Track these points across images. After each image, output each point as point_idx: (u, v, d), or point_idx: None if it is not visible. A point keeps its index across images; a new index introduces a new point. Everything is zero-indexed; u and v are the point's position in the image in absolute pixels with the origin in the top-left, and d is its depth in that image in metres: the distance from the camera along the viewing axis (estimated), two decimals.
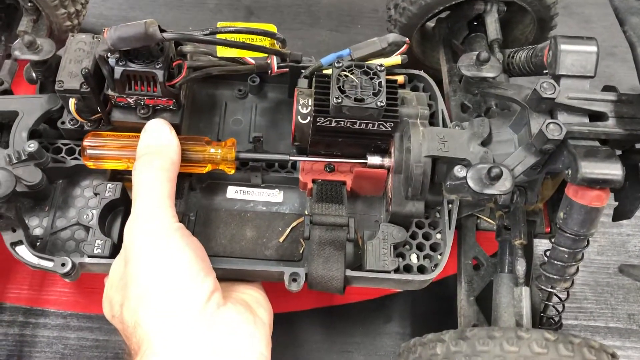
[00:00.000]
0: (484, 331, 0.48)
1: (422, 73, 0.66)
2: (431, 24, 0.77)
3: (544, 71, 0.56)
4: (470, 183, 0.51)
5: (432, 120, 0.65)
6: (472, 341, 0.48)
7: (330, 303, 0.72)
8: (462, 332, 0.49)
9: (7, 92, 0.65)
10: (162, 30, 0.54)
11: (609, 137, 0.51)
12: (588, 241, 0.52)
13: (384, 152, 0.61)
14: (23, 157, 0.57)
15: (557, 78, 0.54)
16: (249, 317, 0.50)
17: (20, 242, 0.56)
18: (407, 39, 0.63)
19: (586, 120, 0.52)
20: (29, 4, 0.73)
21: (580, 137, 0.51)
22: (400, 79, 0.65)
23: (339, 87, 0.55)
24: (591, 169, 0.47)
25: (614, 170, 0.47)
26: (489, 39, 0.67)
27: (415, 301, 0.70)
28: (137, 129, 0.58)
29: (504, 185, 0.50)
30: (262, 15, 0.76)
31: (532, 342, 0.46)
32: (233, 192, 0.63)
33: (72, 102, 0.58)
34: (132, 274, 0.49)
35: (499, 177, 0.50)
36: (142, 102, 0.58)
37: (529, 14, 0.71)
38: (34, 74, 0.62)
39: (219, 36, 0.58)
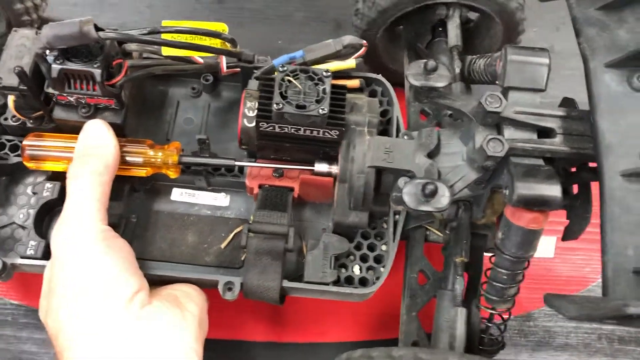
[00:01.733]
0: (410, 352, 0.47)
1: (379, 77, 0.64)
2: (399, 26, 0.74)
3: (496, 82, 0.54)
4: (406, 199, 0.49)
5: (388, 126, 0.63)
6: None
7: (290, 339, 0.70)
8: (389, 350, 0.48)
9: None
10: (98, 29, 0.52)
11: (554, 155, 0.49)
12: (528, 262, 0.50)
13: (333, 159, 0.59)
14: None
15: (505, 90, 0.51)
16: (176, 312, 0.50)
17: None
18: (365, 41, 0.61)
19: (534, 136, 0.50)
20: None
21: (523, 154, 0.49)
22: (355, 82, 0.63)
23: (281, 93, 0.53)
24: (527, 189, 0.45)
25: (551, 192, 0.45)
26: (449, 45, 0.65)
27: None
28: (79, 128, 0.56)
29: (440, 202, 0.48)
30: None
31: None
32: (178, 194, 0.62)
33: (11, 99, 0.57)
34: (54, 279, 0.49)
35: (433, 193, 0.48)
36: (83, 101, 0.57)
37: (496, 22, 0.69)
38: None
39: (164, 36, 0.56)
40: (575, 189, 0.55)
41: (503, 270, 0.50)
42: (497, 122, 0.51)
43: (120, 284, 0.48)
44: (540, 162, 0.49)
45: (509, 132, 0.50)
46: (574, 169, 0.54)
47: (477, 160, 0.50)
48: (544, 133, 0.50)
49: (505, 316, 0.55)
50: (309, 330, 0.70)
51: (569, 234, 0.54)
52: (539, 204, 0.45)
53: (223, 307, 0.61)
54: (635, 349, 0.72)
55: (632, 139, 0.46)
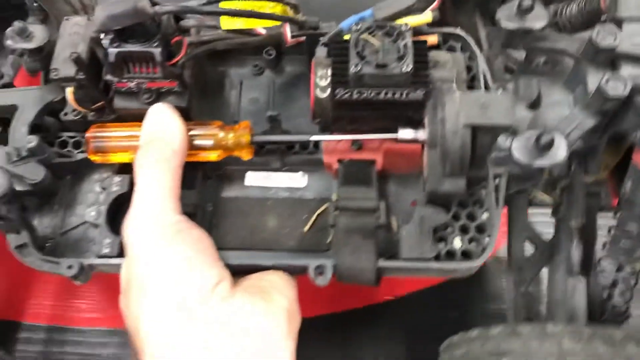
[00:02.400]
0: (538, 327, 0.41)
1: (458, 31, 0.58)
2: None
3: (602, 19, 0.47)
4: (517, 154, 0.43)
5: (473, 84, 0.57)
6: (525, 339, 0.41)
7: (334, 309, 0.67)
8: (513, 327, 0.42)
9: (8, 85, 0.61)
10: (154, 4, 0.48)
11: None
12: None
13: (418, 124, 0.53)
14: (23, 154, 0.53)
15: (618, 23, 0.45)
16: (262, 305, 0.45)
17: (25, 245, 0.52)
18: None
19: None
20: (34, 4, 0.69)
21: None
22: (433, 39, 0.57)
23: (357, 53, 0.48)
24: None
25: None
26: None
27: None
28: (142, 115, 0.53)
29: (557, 154, 0.42)
30: None
31: (595, 340, 0.39)
32: (252, 178, 0.58)
33: (69, 91, 0.53)
34: (131, 274, 0.46)
35: (550, 145, 0.42)
36: (144, 86, 0.53)
37: None
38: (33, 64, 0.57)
39: (221, 5, 0.52)
40: None
41: (635, 224, 0.43)
42: (611, 60, 0.44)
43: (199, 277, 0.44)
44: None
45: (627, 70, 0.44)
46: None
47: (594, 104, 0.43)
48: None
49: (632, 282, 0.49)
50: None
51: None
52: None
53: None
54: None
55: None
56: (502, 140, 0.46)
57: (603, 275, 0.48)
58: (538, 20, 0.48)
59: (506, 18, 0.48)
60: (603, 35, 0.43)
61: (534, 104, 0.48)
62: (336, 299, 0.71)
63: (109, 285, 0.64)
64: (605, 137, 0.46)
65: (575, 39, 0.47)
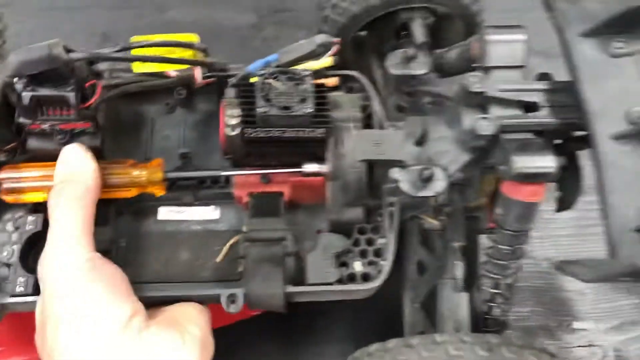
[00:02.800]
0: (428, 338, 0.47)
1: (356, 73, 0.64)
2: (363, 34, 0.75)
3: (474, 65, 0.54)
4: (403, 186, 0.49)
5: (369, 121, 0.63)
6: (417, 349, 0.47)
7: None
8: (406, 340, 0.47)
9: None
10: (68, 51, 0.51)
11: (543, 128, 0.50)
12: (527, 236, 0.51)
13: (321, 158, 0.58)
14: None
15: (486, 70, 0.52)
16: (176, 335, 0.48)
17: None
18: (338, 38, 0.61)
19: (520, 112, 0.51)
20: None
21: (513, 130, 0.49)
22: (333, 81, 0.63)
23: (263, 96, 0.53)
24: (524, 163, 0.46)
25: (547, 163, 0.46)
26: (417, 43, 0.65)
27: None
28: (56, 155, 0.54)
29: (437, 186, 0.49)
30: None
31: (476, 346, 0.44)
32: (165, 212, 0.60)
33: None
34: (47, 311, 0.47)
35: (430, 178, 0.48)
36: (58, 128, 0.55)
37: (457, 21, 0.71)
38: None
39: (135, 52, 0.55)
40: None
41: (505, 247, 0.50)
42: (481, 102, 0.51)
43: (114, 311, 0.46)
44: (531, 136, 0.49)
45: (494, 111, 0.51)
46: (559, 141, 0.55)
47: (468, 141, 0.50)
48: (529, 108, 0.51)
49: (508, 295, 0.55)
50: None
51: (563, 205, 0.55)
52: (536, 177, 0.46)
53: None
54: None
55: (616, 103, 0.47)
56: (394, 173, 0.52)
57: (483, 290, 0.55)
58: (420, 67, 0.54)
59: (393, 65, 0.54)
60: (472, 82, 0.50)
61: (421, 140, 0.54)
62: None
63: (22, 324, 0.64)
64: (479, 170, 0.53)
65: (452, 83, 0.54)
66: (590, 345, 0.73)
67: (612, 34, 0.49)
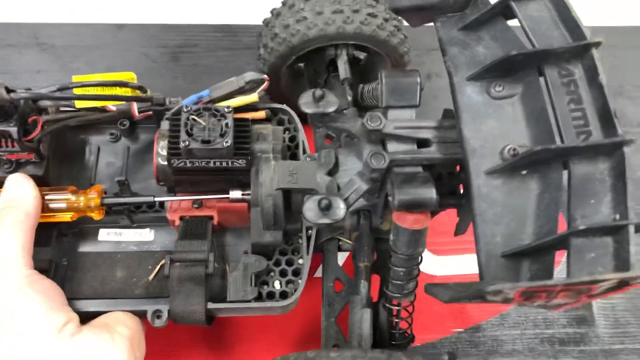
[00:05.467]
0: (324, 352, 0.52)
1: (284, 107, 0.70)
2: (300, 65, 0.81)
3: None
4: (307, 214, 0.54)
5: (297, 150, 0.69)
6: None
7: None
8: (305, 353, 0.53)
9: None
10: (9, 91, 0.56)
11: (431, 162, 0.55)
12: (421, 258, 0.56)
13: (246, 186, 0.64)
14: None
15: (385, 109, 0.58)
16: (106, 336, 0.54)
17: None
18: (265, 76, 0.67)
19: (414, 147, 0.56)
20: None
21: (404, 164, 0.55)
22: (261, 114, 0.68)
23: (186, 131, 0.59)
24: (405, 195, 0.52)
25: (427, 194, 0.52)
26: (341, 79, 0.72)
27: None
28: (2, 183, 0.60)
29: (336, 213, 0.54)
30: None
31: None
32: (105, 234, 0.66)
33: None
34: None
35: (329, 207, 0.53)
36: (4, 158, 0.61)
37: (382, 57, 0.77)
38: None
39: (75, 90, 0.61)
40: (461, 189, 0.62)
41: (399, 268, 0.56)
42: (381, 138, 0.57)
43: (48, 320, 0.52)
44: (419, 169, 0.55)
45: (391, 146, 0.56)
46: (458, 169, 0.60)
47: (366, 173, 0.56)
48: (423, 143, 0.57)
49: (410, 310, 0.61)
50: (241, 350, 0.75)
51: (458, 230, 0.61)
52: (417, 206, 0.52)
53: (157, 338, 0.65)
54: (574, 349, 0.80)
55: (492, 141, 0.52)
56: (306, 200, 0.57)
57: (388, 308, 0.60)
58: (329, 106, 0.60)
59: (304, 104, 0.60)
60: (371, 121, 0.56)
61: (332, 171, 0.60)
62: None
63: None
64: (383, 197, 0.59)
65: (358, 121, 0.59)
66: None
67: (493, 78, 0.55)
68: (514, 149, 0.51)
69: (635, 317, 0.80)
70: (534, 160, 0.50)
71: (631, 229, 0.44)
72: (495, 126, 0.53)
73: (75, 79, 0.60)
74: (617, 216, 0.46)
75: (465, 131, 0.53)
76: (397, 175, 0.53)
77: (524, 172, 0.51)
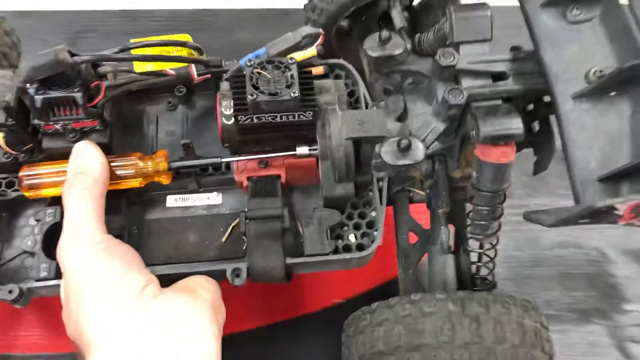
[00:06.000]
0: (405, 298, 0.51)
1: (341, 61, 0.68)
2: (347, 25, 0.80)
3: (447, 42, 0.58)
4: (385, 157, 0.53)
5: (357, 105, 0.67)
6: (395, 309, 0.51)
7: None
8: (388, 302, 0.52)
9: None
10: (73, 55, 0.56)
11: (510, 95, 0.53)
12: (505, 196, 0.54)
13: (312, 141, 0.62)
14: None
15: (456, 46, 0.56)
16: (188, 298, 0.53)
17: None
18: (321, 29, 0.65)
19: (489, 81, 0.54)
20: None
21: (482, 98, 0.53)
22: (320, 69, 0.67)
23: (252, 85, 0.57)
24: (490, 126, 0.50)
25: (512, 125, 0.50)
26: (397, 29, 0.70)
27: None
28: (69, 153, 0.60)
29: (416, 154, 0.52)
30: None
31: (448, 302, 0.49)
32: (172, 200, 0.65)
33: (0, 136, 0.60)
34: (69, 290, 0.52)
35: (408, 147, 0.52)
36: (69, 127, 0.60)
37: (436, 7, 0.75)
38: None
39: (133, 52, 0.60)
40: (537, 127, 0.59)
41: (483, 207, 0.54)
42: (454, 75, 0.55)
43: (130, 280, 0.51)
44: (499, 102, 0.53)
45: (466, 82, 0.54)
46: (531, 107, 0.58)
47: (442, 112, 0.54)
48: (498, 77, 0.55)
49: (492, 254, 0.59)
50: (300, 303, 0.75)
51: (538, 168, 0.59)
52: (503, 138, 0.50)
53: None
54: None
55: (575, 66, 0.50)
56: (378, 149, 0.56)
57: (469, 252, 0.58)
58: (396, 47, 0.58)
59: (370, 48, 0.59)
60: (444, 57, 0.54)
61: (401, 117, 0.58)
62: (267, 310, 0.78)
63: (50, 312, 0.69)
64: (459, 138, 0.57)
65: (427, 61, 0.57)
66: None
67: (569, 3, 0.53)
68: (600, 71, 0.49)
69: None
70: (624, 79, 0.48)
71: None
72: (577, 50, 0.51)
73: (133, 40, 0.60)
74: None
75: (546, 58, 0.51)
76: (478, 109, 0.52)
77: (613, 93, 0.49)
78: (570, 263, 0.83)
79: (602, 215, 0.42)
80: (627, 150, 0.47)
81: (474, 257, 0.61)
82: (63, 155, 0.60)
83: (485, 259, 0.59)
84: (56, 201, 0.62)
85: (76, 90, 0.57)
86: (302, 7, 0.81)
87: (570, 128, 0.49)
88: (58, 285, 0.56)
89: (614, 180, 0.47)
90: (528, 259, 0.84)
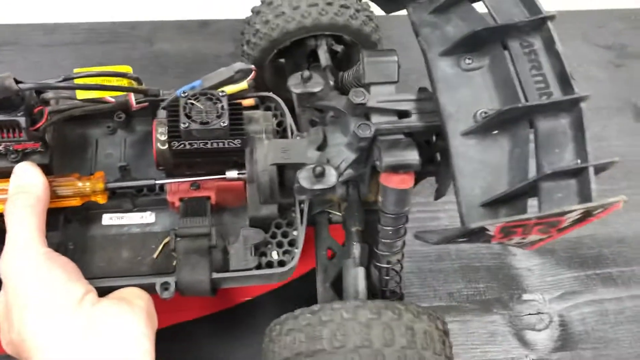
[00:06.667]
0: (327, 305, 0.57)
1: (271, 94, 0.75)
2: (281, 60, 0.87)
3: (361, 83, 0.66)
4: (302, 182, 0.59)
5: (285, 134, 0.74)
6: (318, 314, 0.57)
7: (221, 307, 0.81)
8: (310, 308, 0.58)
9: None
10: (18, 82, 0.60)
11: (412, 130, 0.61)
12: (407, 218, 0.62)
13: (241, 166, 0.68)
14: None
15: (367, 86, 0.63)
16: (124, 305, 0.57)
17: None
18: (253, 66, 0.72)
19: (395, 118, 0.62)
20: None
21: (387, 133, 0.61)
22: (251, 101, 0.74)
23: (185, 114, 0.63)
24: (391, 157, 0.57)
25: (410, 157, 0.57)
26: (322, 66, 0.77)
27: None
28: (10, 172, 0.63)
29: (329, 180, 0.59)
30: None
31: (366, 310, 0.55)
32: (108, 219, 0.70)
33: None
34: (10, 300, 0.56)
35: (322, 174, 0.59)
36: (11, 148, 0.64)
37: (356, 45, 0.84)
38: None
39: (76, 81, 0.65)
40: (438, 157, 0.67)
41: (388, 227, 0.61)
42: (365, 112, 0.63)
43: (69, 290, 0.56)
44: (402, 137, 0.61)
45: (375, 118, 0.62)
46: (434, 140, 0.66)
47: (354, 143, 0.61)
48: (403, 114, 0.62)
49: (398, 268, 0.66)
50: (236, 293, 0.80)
51: (438, 194, 0.66)
52: (402, 167, 0.57)
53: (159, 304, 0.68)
54: None
55: (465, 107, 0.58)
56: (297, 174, 0.62)
57: (378, 267, 0.65)
58: (316, 86, 0.66)
59: (294, 85, 0.66)
60: (356, 96, 0.61)
61: (321, 146, 0.65)
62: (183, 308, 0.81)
63: None
64: (369, 167, 0.64)
65: (343, 98, 0.65)
66: (538, 313, 0.86)
67: (462, 53, 0.61)
68: (485, 112, 0.57)
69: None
70: (503, 119, 0.56)
71: (591, 170, 0.50)
72: (468, 94, 0.59)
73: (77, 70, 0.65)
74: (579, 161, 0.52)
75: (441, 99, 0.59)
76: (382, 142, 0.59)
77: (495, 131, 0.57)
78: (473, 257, 0.89)
79: (477, 235, 0.50)
80: (506, 180, 0.55)
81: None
82: (3, 175, 0.64)
83: (392, 273, 0.66)
84: None
85: (20, 114, 0.62)
86: (220, 17, 0.86)
87: (458, 160, 0.56)
88: None
89: (494, 205, 0.55)
90: (433, 253, 0.89)
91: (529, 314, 0.85)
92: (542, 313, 0.86)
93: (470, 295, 0.86)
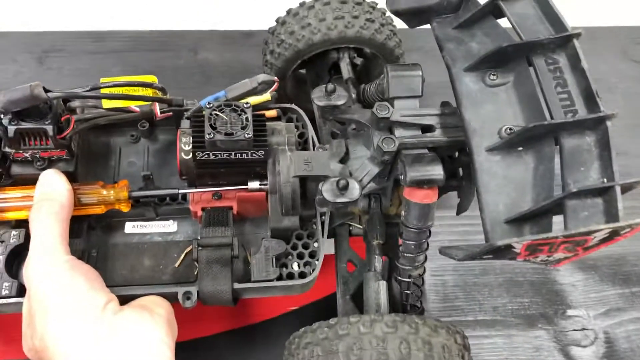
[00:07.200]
0: (344, 319, 0.57)
1: (293, 106, 0.76)
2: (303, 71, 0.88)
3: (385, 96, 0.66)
4: (325, 194, 0.60)
5: (306, 146, 0.74)
6: (334, 328, 0.57)
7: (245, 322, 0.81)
8: (327, 322, 0.58)
9: None
10: (47, 91, 0.61)
11: (435, 145, 0.61)
12: (429, 232, 0.62)
13: (263, 177, 0.69)
14: None
15: (391, 100, 0.64)
16: (146, 314, 0.58)
17: None
18: (276, 77, 0.72)
19: (418, 132, 0.62)
20: None
21: (411, 147, 0.61)
22: (273, 112, 0.74)
23: (210, 125, 0.64)
24: (416, 172, 0.57)
25: (434, 171, 0.58)
26: (344, 78, 0.78)
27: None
28: (36, 179, 0.64)
29: (352, 193, 0.60)
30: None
31: (383, 324, 0.55)
32: (131, 227, 0.70)
33: None
34: (34, 306, 0.56)
35: (345, 187, 0.59)
36: (37, 155, 0.65)
37: (379, 59, 0.84)
38: None
39: (102, 90, 0.66)
40: (461, 172, 0.68)
41: (410, 242, 0.61)
42: (389, 126, 0.63)
43: (92, 298, 0.56)
44: (425, 151, 0.61)
45: (398, 132, 0.62)
46: (457, 155, 0.66)
47: (377, 157, 0.61)
48: (427, 129, 0.63)
49: (420, 283, 0.66)
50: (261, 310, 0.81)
51: (460, 209, 0.66)
52: (426, 182, 0.58)
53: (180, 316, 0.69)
54: None
55: (490, 123, 0.59)
56: (320, 187, 0.63)
57: (400, 281, 0.65)
58: (340, 99, 0.66)
59: (317, 97, 0.66)
60: (380, 109, 0.62)
61: (343, 159, 0.66)
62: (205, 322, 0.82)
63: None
64: (392, 181, 0.65)
65: (367, 111, 0.65)
66: (583, 329, 0.85)
67: (487, 69, 0.61)
68: (510, 128, 0.58)
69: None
70: (529, 136, 0.56)
71: (618, 189, 0.50)
72: (492, 110, 0.60)
73: (104, 80, 0.65)
74: (605, 179, 0.52)
75: (466, 115, 0.59)
76: (406, 156, 0.59)
77: (520, 148, 0.57)
78: (517, 271, 0.89)
79: (503, 253, 0.50)
80: (530, 197, 0.55)
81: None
82: (30, 181, 0.65)
83: (413, 287, 0.66)
84: (20, 224, 0.66)
85: (47, 122, 0.63)
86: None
87: (483, 176, 0.56)
88: (19, 303, 0.61)
89: (518, 222, 0.55)
90: (477, 266, 0.89)
91: (574, 330, 0.85)
92: (587, 329, 0.85)
93: (515, 309, 0.86)
